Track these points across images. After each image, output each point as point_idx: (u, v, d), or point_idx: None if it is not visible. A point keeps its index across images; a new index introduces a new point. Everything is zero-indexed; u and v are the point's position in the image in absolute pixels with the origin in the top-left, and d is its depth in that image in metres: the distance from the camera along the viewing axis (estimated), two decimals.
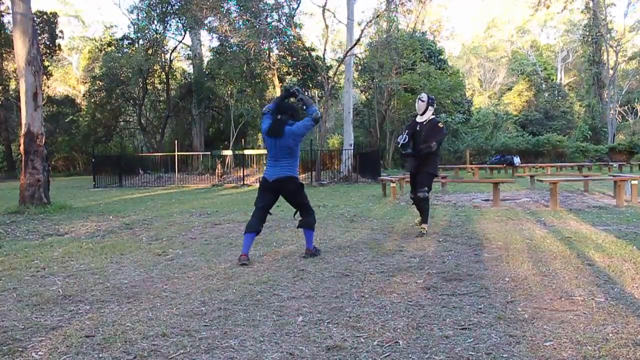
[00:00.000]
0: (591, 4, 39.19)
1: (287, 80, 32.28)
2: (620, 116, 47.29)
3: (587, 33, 40.83)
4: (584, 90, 45.02)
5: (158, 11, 28.88)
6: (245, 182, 21.26)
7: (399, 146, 6.89)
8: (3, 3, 28.33)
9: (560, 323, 3.17)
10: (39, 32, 26.48)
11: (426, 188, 6.74)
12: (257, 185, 21.46)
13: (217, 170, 23.77)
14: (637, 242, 5.73)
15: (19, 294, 4.16)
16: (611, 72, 39.58)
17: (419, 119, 6.92)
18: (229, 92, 29.37)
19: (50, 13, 30.29)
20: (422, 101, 6.87)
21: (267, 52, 26.67)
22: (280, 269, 4.87)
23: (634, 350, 2.72)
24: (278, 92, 25.50)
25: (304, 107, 5.60)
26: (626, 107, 48.08)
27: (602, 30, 38.62)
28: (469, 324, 3.21)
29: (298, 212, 5.73)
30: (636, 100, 46.71)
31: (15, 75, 27.05)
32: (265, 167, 5.69)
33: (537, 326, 3.13)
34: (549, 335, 2.98)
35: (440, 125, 6.83)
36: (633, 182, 10.21)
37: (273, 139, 5.41)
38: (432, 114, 6.89)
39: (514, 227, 7.20)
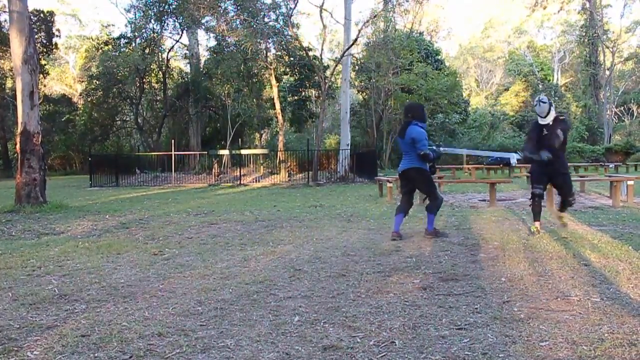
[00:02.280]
0: (588, 5, 39.31)
1: (284, 80, 32.29)
2: (616, 117, 47.41)
3: (584, 34, 40.98)
4: (581, 91, 45.18)
5: (155, 10, 28.82)
6: (241, 182, 21.25)
7: (539, 158, 6.77)
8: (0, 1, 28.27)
9: (556, 323, 3.17)
10: (35, 30, 26.36)
11: (573, 192, 6.76)
12: (254, 185, 21.51)
13: (213, 170, 23.77)
14: (633, 242, 5.75)
15: (14, 293, 4.14)
16: (607, 72, 39.70)
17: (541, 121, 6.59)
18: (226, 92, 29.35)
19: (47, 11, 30.19)
20: (544, 103, 6.52)
21: (265, 51, 26.66)
22: (277, 269, 4.86)
23: (629, 350, 2.72)
24: (275, 92, 25.54)
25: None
26: (622, 108, 48.20)
27: (598, 31, 38.73)
28: (465, 324, 3.22)
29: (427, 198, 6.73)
30: (632, 101, 46.83)
31: (11, 73, 26.94)
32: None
33: (533, 326, 3.13)
34: (545, 335, 2.98)
35: (562, 117, 6.67)
36: (629, 182, 10.24)
37: (400, 138, 6.54)
38: (554, 113, 6.59)
39: (511, 227, 7.22)
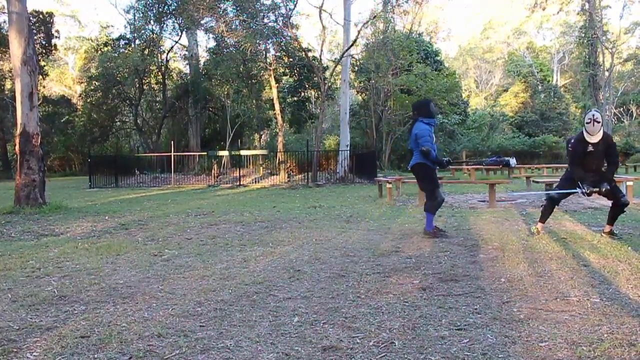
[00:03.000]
0: (587, 6, 39.32)
1: (283, 81, 32.29)
2: (615, 118, 47.44)
3: (583, 35, 40.97)
4: (580, 92, 45.23)
5: (154, 11, 28.83)
6: (241, 183, 21.25)
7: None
8: None
9: (556, 323, 3.18)
10: (34, 31, 26.36)
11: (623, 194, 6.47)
12: (253, 186, 21.44)
13: (213, 171, 23.75)
14: (632, 243, 5.75)
15: (14, 294, 4.14)
16: (607, 73, 39.72)
17: (589, 138, 6.00)
18: (226, 93, 29.35)
19: (46, 13, 30.17)
20: (598, 122, 5.91)
21: (264, 52, 26.67)
22: (277, 270, 4.86)
23: (628, 351, 2.72)
24: (274, 93, 25.54)
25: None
26: (622, 109, 48.24)
27: (597, 32, 38.75)
28: (465, 324, 3.22)
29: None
30: (631, 102, 46.88)
31: (10, 75, 26.92)
32: None
33: (533, 327, 3.13)
34: (545, 335, 2.98)
35: (612, 140, 6.23)
36: (628, 183, 10.25)
37: (410, 135, 6.71)
38: (601, 129, 6.00)
39: (510, 228, 7.22)
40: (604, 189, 6.03)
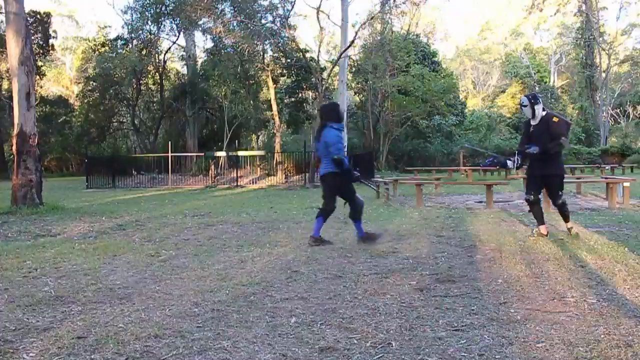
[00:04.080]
0: (584, 8, 39.44)
1: (281, 82, 32.28)
2: (612, 119, 47.52)
3: (580, 36, 41.10)
4: (577, 93, 45.26)
5: (152, 12, 28.82)
6: (238, 184, 21.23)
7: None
8: None
9: (553, 324, 3.18)
10: (32, 31, 26.32)
11: (561, 193, 6.44)
12: (251, 186, 21.41)
13: (210, 172, 23.73)
14: (629, 244, 5.76)
15: (10, 294, 4.13)
16: (603, 75, 39.82)
17: (532, 121, 6.47)
18: (223, 93, 29.35)
19: (44, 13, 30.12)
20: (525, 106, 6.42)
21: (261, 53, 26.66)
22: (274, 270, 4.86)
23: (625, 351, 2.73)
24: (272, 94, 25.54)
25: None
26: (618, 110, 48.31)
27: (594, 33, 38.86)
28: (462, 325, 3.22)
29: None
30: (628, 103, 46.97)
31: (7, 75, 26.84)
32: None
33: (530, 327, 3.14)
34: (541, 336, 2.99)
35: (555, 120, 6.29)
36: (625, 184, 10.28)
37: (317, 141, 6.36)
38: (543, 110, 6.39)
39: (507, 229, 7.23)
40: (532, 150, 6.27)
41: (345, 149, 22.45)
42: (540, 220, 6.60)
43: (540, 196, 6.67)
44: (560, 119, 6.35)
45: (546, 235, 6.44)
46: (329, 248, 6.00)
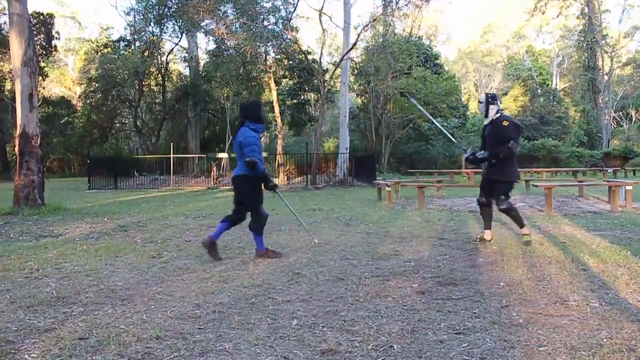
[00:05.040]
0: (586, 10, 39.43)
1: (283, 84, 32.30)
2: (615, 122, 47.50)
3: (582, 39, 41.08)
4: (579, 96, 45.24)
5: (155, 13, 28.85)
6: None
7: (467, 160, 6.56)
8: None
9: (555, 328, 3.17)
10: (35, 33, 26.35)
11: (503, 197, 6.17)
12: None
13: (212, 173, 23.73)
14: (632, 247, 5.75)
15: (12, 295, 4.13)
16: (606, 77, 39.79)
17: (485, 121, 6.39)
18: (225, 95, 29.38)
19: (47, 14, 30.17)
20: (481, 102, 6.35)
21: (264, 55, 26.69)
22: (275, 272, 4.86)
23: (627, 356, 2.72)
24: (274, 95, 25.54)
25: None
26: (621, 113, 48.30)
27: (597, 36, 38.83)
28: (464, 328, 3.21)
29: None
30: (631, 106, 46.94)
31: (10, 76, 26.91)
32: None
33: (532, 331, 3.13)
34: (544, 340, 2.98)
35: (506, 123, 6.07)
36: (627, 187, 10.25)
37: (234, 139, 5.74)
38: (497, 113, 6.21)
39: (509, 232, 7.22)
40: (480, 155, 6.23)
41: (347, 151, 22.69)
42: (487, 225, 6.44)
43: (492, 199, 6.40)
44: (510, 123, 6.12)
45: (489, 241, 6.28)
46: (330, 250, 5.99)
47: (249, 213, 5.70)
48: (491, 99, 6.25)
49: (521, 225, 6.30)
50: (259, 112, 5.74)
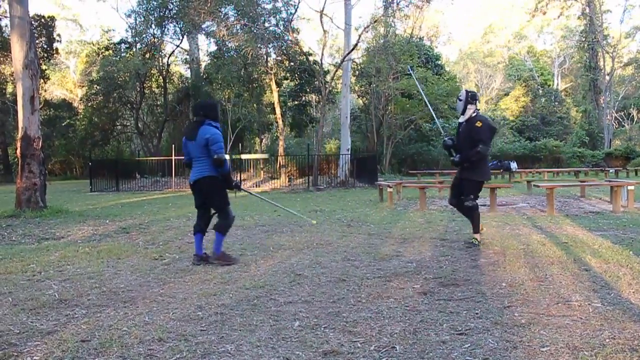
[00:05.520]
0: (587, 11, 39.41)
1: (284, 85, 32.32)
2: (616, 122, 47.47)
3: (584, 39, 41.08)
4: (581, 96, 45.25)
5: (156, 15, 28.87)
6: (242, 187, 21.20)
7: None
8: (0, 6, 28.33)
9: (557, 328, 3.17)
10: (36, 35, 26.43)
11: (472, 196, 6.21)
12: (254, 189, 21.28)
13: None
14: (634, 247, 5.74)
15: (14, 298, 4.14)
16: (607, 78, 39.76)
17: (461, 118, 6.34)
18: (227, 97, 29.35)
19: (48, 17, 30.23)
20: (460, 99, 6.31)
21: (265, 56, 26.70)
22: (277, 274, 4.86)
23: (630, 356, 2.72)
24: (275, 97, 25.57)
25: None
26: (622, 113, 48.27)
27: (598, 36, 38.82)
28: (466, 329, 3.21)
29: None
30: (632, 106, 46.92)
31: (12, 78, 26.95)
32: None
33: (534, 331, 3.13)
34: (546, 340, 2.98)
35: (479, 124, 6.06)
36: (629, 187, 10.24)
37: (189, 140, 5.41)
38: (474, 112, 6.21)
39: (511, 233, 7.21)
40: (453, 159, 6.26)
41: (348, 152, 22.72)
42: (476, 228, 6.41)
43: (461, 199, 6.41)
44: (484, 124, 6.11)
45: (476, 245, 6.21)
46: (332, 252, 5.99)
47: (218, 214, 5.54)
48: (471, 98, 6.23)
49: (476, 231, 6.31)
50: (217, 112, 5.53)
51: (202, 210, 5.65)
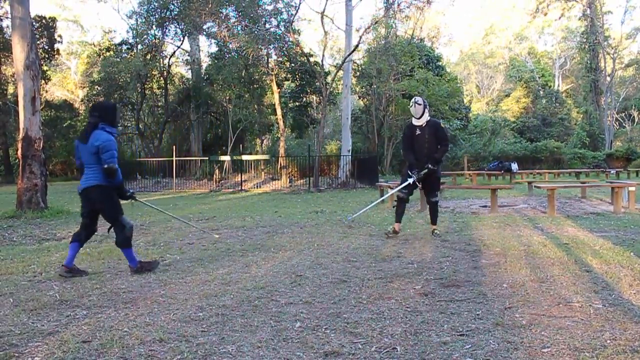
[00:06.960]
0: (588, 12, 39.43)
1: (285, 86, 32.32)
2: (617, 123, 47.45)
3: (585, 40, 41.11)
4: (582, 97, 45.26)
5: (157, 16, 28.87)
6: (243, 188, 21.25)
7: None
8: (2, 7, 28.36)
9: (558, 329, 3.17)
10: (37, 36, 26.47)
11: (437, 193, 7.18)
12: (255, 190, 21.30)
13: (215, 176, 23.77)
14: (635, 248, 5.74)
15: (15, 298, 4.14)
16: (608, 79, 39.76)
17: (415, 122, 7.03)
18: (227, 98, 29.37)
19: (49, 18, 30.30)
20: (419, 104, 6.93)
21: (266, 57, 26.72)
22: (278, 275, 4.86)
23: (631, 357, 2.71)
24: (276, 98, 25.59)
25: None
26: (623, 114, 48.26)
27: (599, 37, 38.83)
28: (467, 330, 3.21)
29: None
30: (633, 107, 46.90)
31: (13, 79, 27.02)
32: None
33: (535, 332, 3.12)
34: (547, 341, 2.97)
35: (442, 125, 7.08)
36: (630, 188, 10.23)
37: (81, 143, 5.04)
38: (428, 116, 7.03)
39: (512, 234, 7.20)
40: (426, 169, 6.87)
41: (349, 153, 22.74)
42: (399, 219, 7.21)
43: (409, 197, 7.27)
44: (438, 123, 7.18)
45: (395, 234, 7.07)
46: (333, 253, 5.99)
47: (113, 228, 5.15)
48: (426, 105, 7.02)
49: (434, 223, 7.25)
50: (115, 115, 5.10)
51: (88, 219, 5.23)
